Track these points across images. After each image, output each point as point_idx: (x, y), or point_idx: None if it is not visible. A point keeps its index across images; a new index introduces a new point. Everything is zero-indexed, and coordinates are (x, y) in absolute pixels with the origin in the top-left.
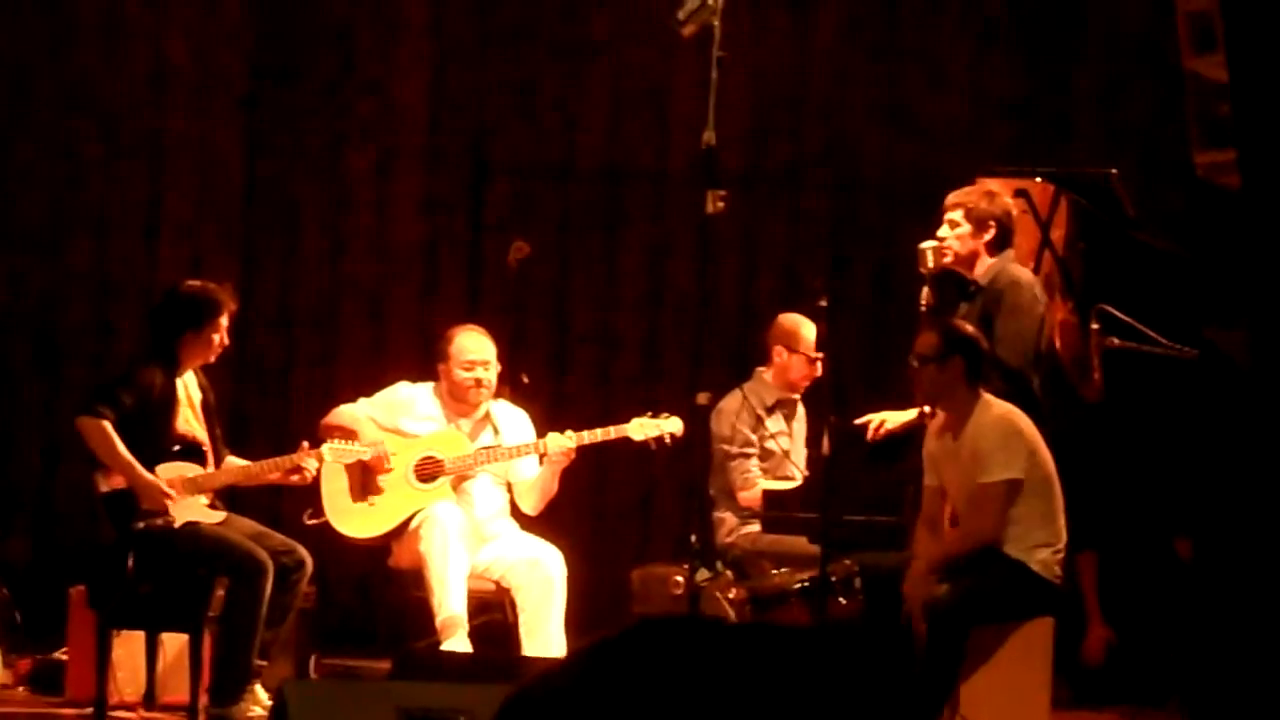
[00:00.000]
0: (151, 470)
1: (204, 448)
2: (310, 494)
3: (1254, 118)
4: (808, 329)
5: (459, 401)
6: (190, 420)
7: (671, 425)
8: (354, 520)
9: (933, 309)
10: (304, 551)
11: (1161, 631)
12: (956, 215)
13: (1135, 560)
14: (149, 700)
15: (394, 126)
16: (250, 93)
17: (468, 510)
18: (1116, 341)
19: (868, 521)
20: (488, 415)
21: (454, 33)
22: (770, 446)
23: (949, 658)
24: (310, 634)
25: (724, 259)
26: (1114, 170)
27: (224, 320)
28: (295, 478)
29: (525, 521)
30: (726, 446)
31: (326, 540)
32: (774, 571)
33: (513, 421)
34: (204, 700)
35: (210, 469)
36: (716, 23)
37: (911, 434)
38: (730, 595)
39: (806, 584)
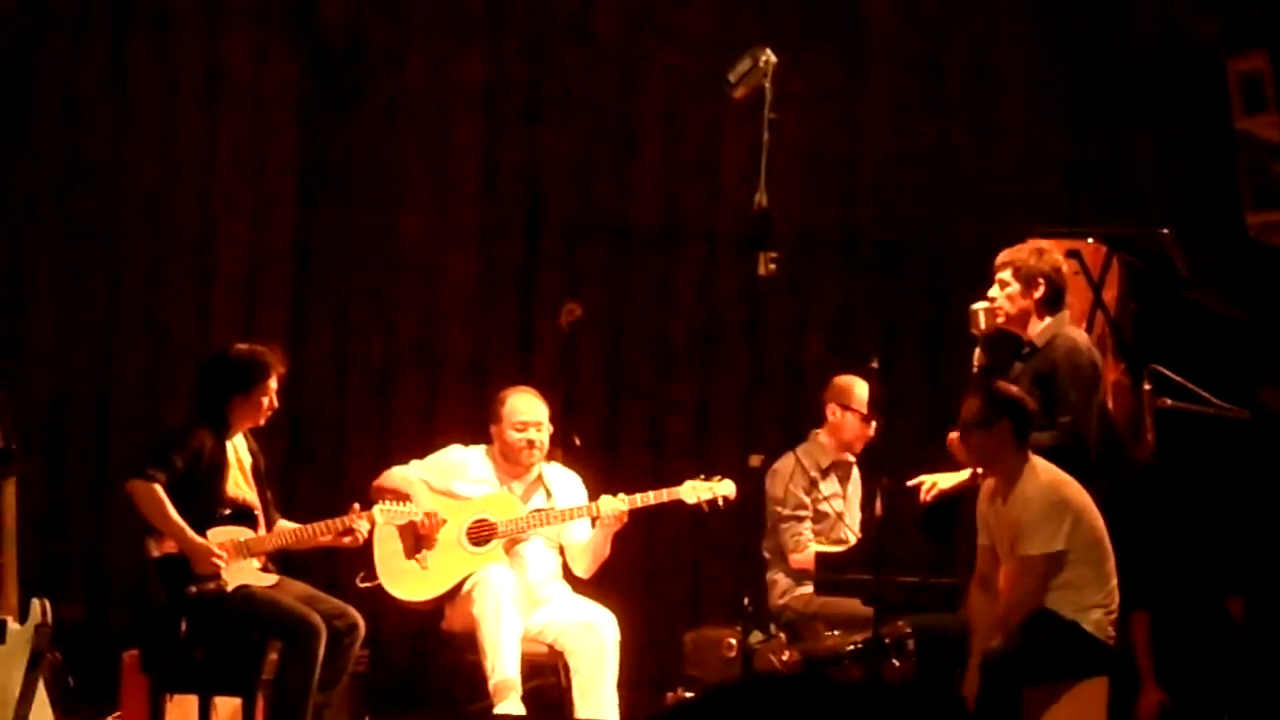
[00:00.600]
0: (203, 533)
1: (255, 511)
2: (363, 557)
3: None
4: (861, 388)
5: (511, 463)
6: (240, 484)
7: (724, 488)
8: (406, 583)
9: (985, 370)
10: (356, 614)
11: (1215, 692)
12: (1005, 275)
13: (1188, 621)
14: None
15: (448, 190)
16: (303, 155)
17: (520, 573)
18: (1169, 402)
19: (921, 583)
20: (540, 478)
21: (507, 97)
22: (824, 509)
23: (1003, 717)
24: (363, 698)
25: (775, 321)
26: (1166, 230)
27: (273, 383)
28: (347, 540)
29: (578, 584)
30: (779, 508)
31: (379, 603)
32: (827, 634)
33: (565, 484)
34: None
35: (261, 532)
36: (768, 85)
37: (962, 496)
38: (784, 658)
39: (860, 646)
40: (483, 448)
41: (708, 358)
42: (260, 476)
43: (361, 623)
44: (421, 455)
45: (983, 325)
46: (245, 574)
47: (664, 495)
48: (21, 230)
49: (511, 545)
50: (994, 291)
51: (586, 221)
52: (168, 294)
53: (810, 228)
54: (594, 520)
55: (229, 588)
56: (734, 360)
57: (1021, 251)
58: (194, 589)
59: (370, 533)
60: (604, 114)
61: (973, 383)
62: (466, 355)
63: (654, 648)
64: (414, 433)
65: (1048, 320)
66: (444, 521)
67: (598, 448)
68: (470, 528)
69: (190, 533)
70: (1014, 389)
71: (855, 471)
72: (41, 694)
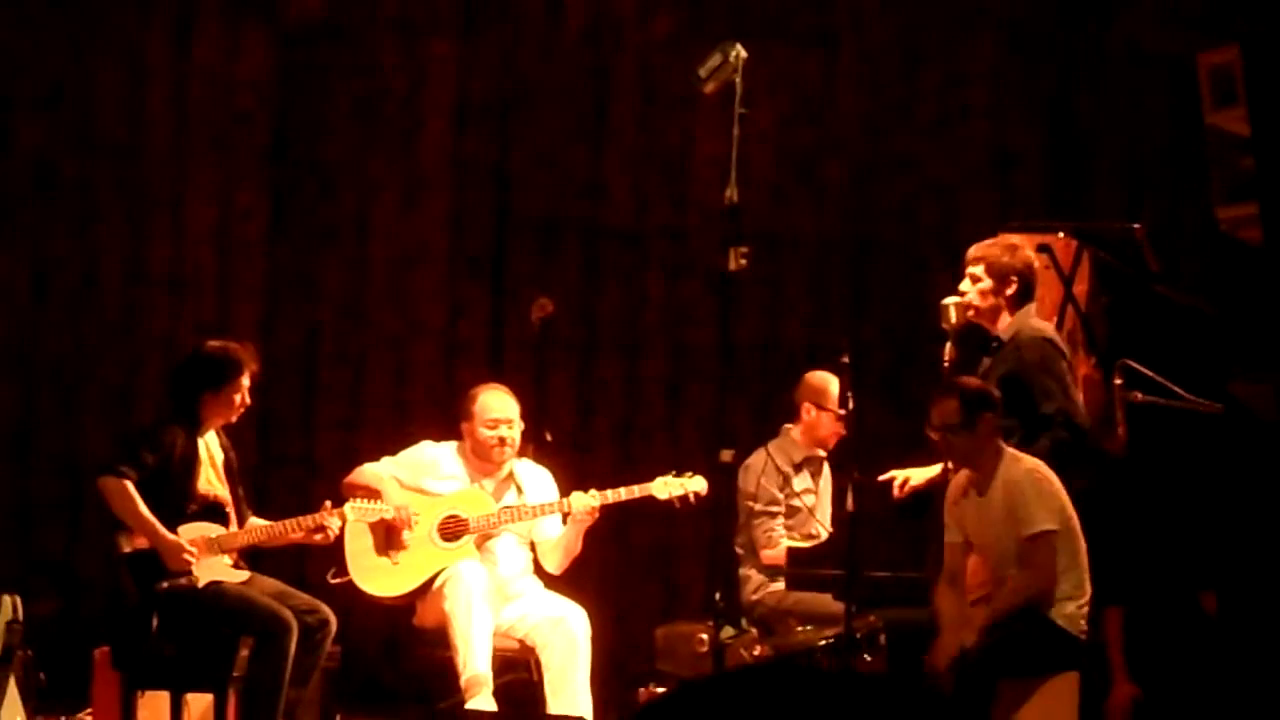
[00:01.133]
0: (174, 530)
1: (226, 508)
2: (334, 553)
3: (1276, 171)
4: (835, 386)
5: (483, 460)
6: (212, 480)
7: (695, 484)
8: (378, 579)
9: (955, 365)
10: (328, 611)
11: (1187, 687)
12: (978, 270)
13: (1161, 615)
14: None
15: (417, 185)
16: (274, 147)
17: (492, 569)
18: (1140, 396)
19: (892, 578)
20: (511, 474)
21: (477, 90)
22: (796, 504)
23: (975, 711)
24: (334, 694)
25: (746, 316)
26: (1137, 225)
27: (245, 380)
28: (318, 537)
29: (549, 580)
30: (751, 504)
31: (350, 599)
32: (799, 629)
33: (536, 480)
34: None
35: (233, 529)
36: (738, 79)
37: (933, 490)
38: (755, 652)
39: (832, 641)
40: (454, 444)
41: (679, 353)
42: (232, 473)
43: (333, 619)
44: (392, 452)
45: (953, 320)
46: (217, 570)
47: (635, 491)
48: None
49: (483, 541)
50: (965, 286)
51: (557, 216)
52: (140, 289)
53: (781, 222)
54: (565, 516)
55: (200, 584)
56: (705, 355)
57: (994, 248)
58: (165, 585)
59: (341, 529)
60: (575, 108)
61: (943, 381)
62: (437, 351)
63: (626, 643)
64: (384, 429)
65: (1015, 315)
66: (415, 518)
67: (569, 444)
68: (441, 524)
69: (161, 529)
70: (975, 381)
71: (826, 467)
72: (12, 691)
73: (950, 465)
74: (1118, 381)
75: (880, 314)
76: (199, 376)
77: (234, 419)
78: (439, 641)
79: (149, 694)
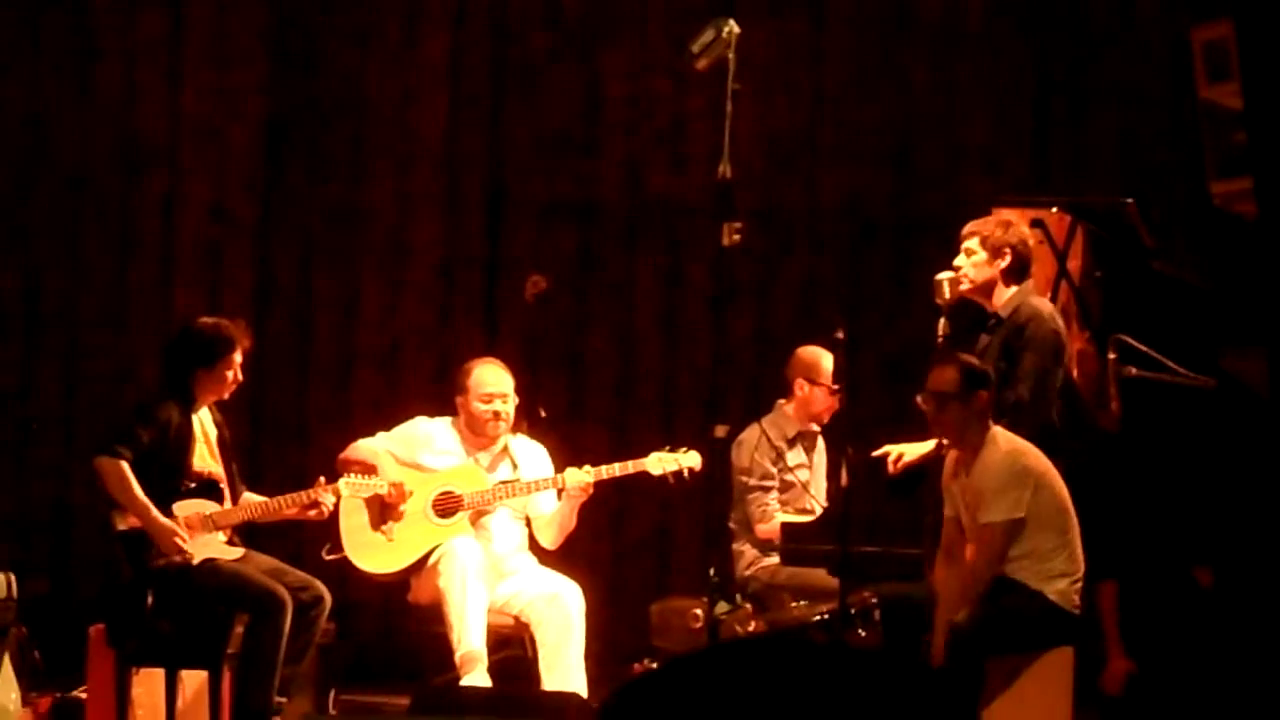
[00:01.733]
0: (169, 506)
1: (221, 484)
2: (328, 529)
3: (1269, 145)
4: (828, 361)
5: (477, 435)
6: (207, 457)
7: (690, 459)
8: (372, 555)
9: (949, 340)
10: (322, 587)
11: (1182, 661)
12: (972, 244)
13: (1155, 589)
14: None
15: (411, 161)
16: (267, 128)
17: (486, 545)
18: (1134, 371)
19: (886, 553)
20: (506, 449)
21: (471, 68)
22: (790, 479)
23: (967, 686)
24: (329, 670)
25: (740, 292)
26: (1130, 199)
27: (237, 357)
28: (313, 513)
29: (544, 556)
30: (745, 479)
31: (345, 576)
32: (793, 604)
33: (531, 456)
34: None
35: (227, 505)
36: (731, 55)
37: (928, 466)
38: (750, 628)
39: (826, 616)
40: (448, 419)
41: (672, 329)
42: (226, 449)
43: (327, 595)
44: (387, 427)
45: (947, 295)
46: (211, 547)
47: (629, 467)
48: None
49: (477, 517)
50: (960, 260)
51: (551, 194)
52: (131, 270)
53: (775, 198)
54: (560, 492)
55: (195, 561)
56: (698, 331)
57: (989, 223)
58: (160, 562)
59: (336, 505)
60: (568, 87)
61: (938, 352)
62: (431, 327)
63: (620, 619)
64: (378, 405)
65: (1013, 289)
66: (410, 493)
67: (563, 419)
68: (436, 500)
69: (155, 512)
70: (977, 360)
71: (820, 441)
72: (7, 668)
73: (944, 442)
74: (1111, 356)
75: (874, 291)
76: (191, 353)
77: (226, 395)
78: (434, 618)
79: (144, 671)
